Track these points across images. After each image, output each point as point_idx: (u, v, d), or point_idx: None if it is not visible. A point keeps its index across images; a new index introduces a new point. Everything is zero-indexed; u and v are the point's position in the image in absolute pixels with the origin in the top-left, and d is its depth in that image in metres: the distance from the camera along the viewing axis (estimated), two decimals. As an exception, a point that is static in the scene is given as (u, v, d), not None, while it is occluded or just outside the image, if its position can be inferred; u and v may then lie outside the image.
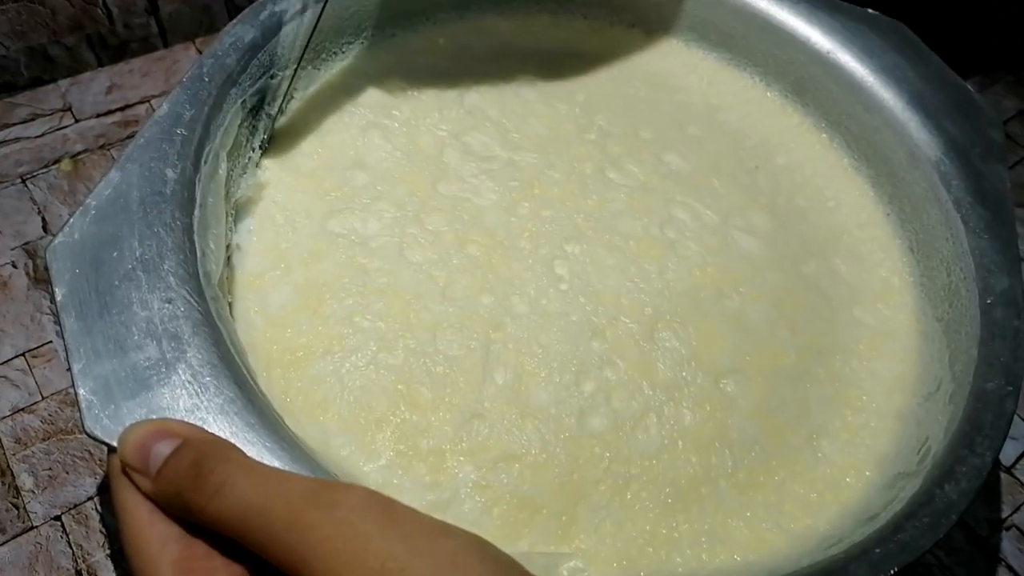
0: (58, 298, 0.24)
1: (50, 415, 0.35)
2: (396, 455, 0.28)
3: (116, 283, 0.25)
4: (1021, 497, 0.36)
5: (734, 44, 0.41)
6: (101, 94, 0.45)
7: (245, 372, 0.25)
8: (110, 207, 0.26)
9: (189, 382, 0.23)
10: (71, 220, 0.25)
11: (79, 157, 0.43)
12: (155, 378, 0.23)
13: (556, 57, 0.40)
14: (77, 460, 0.34)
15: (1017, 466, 0.37)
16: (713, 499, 0.29)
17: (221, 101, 0.30)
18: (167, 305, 0.25)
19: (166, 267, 0.25)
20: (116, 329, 0.24)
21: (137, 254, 0.25)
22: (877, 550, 0.25)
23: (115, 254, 0.25)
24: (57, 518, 0.32)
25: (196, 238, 0.27)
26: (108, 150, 0.43)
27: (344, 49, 0.36)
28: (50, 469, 0.34)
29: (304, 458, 0.23)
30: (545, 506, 0.28)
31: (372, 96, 0.37)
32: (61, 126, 0.44)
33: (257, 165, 0.34)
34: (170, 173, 0.27)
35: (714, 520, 0.29)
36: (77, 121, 0.44)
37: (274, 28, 0.32)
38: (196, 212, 0.27)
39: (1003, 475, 0.36)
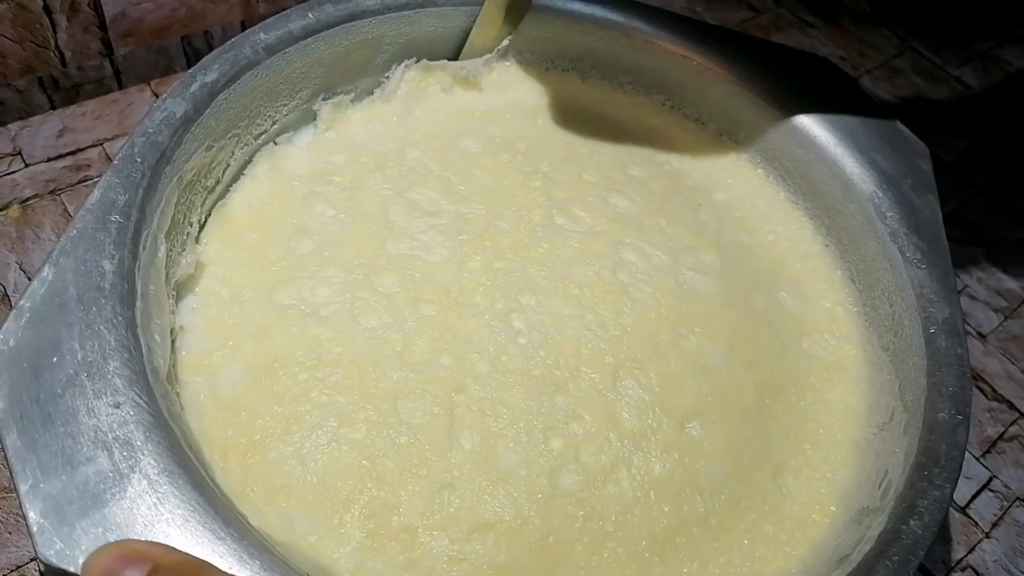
0: (-4, 413, 0.22)
1: (-8, 473, 0.33)
2: (366, 536, 0.28)
3: (59, 391, 0.23)
4: (976, 537, 0.36)
5: (667, 86, 0.41)
6: (52, 138, 0.43)
7: (204, 474, 0.24)
8: (46, 308, 0.24)
9: (146, 492, 0.22)
10: (4, 325, 0.24)
11: (28, 203, 0.40)
12: (109, 492, 0.22)
13: (494, 106, 0.40)
14: (20, 520, 0.31)
15: (971, 506, 0.37)
16: (688, 547, 0.29)
17: (156, 181, 0.28)
18: (115, 410, 0.23)
19: (111, 368, 0.24)
20: (63, 442, 0.22)
21: (79, 357, 0.24)
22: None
23: (55, 359, 0.24)
24: (-2, 581, 0.31)
25: (140, 332, 0.25)
26: (58, 196, 0.41)
27: (279, 113, 0.35)
28: (-8, 529, 0.31)
29: (277, 563, 0.22)
30: (523, 574, 0.28)
31: (310, 160, 0.36)
32: (10, 171, 0.41)
33: (196, 240, 0.32)
34: (107, 265, 0.26)
35: (691, 570, 0.29)
36: (27, 166, 0.42)
37: (205, 100, 0.31)
38: (138, 303, 0.26)
39: (958, 515, 0.37)
